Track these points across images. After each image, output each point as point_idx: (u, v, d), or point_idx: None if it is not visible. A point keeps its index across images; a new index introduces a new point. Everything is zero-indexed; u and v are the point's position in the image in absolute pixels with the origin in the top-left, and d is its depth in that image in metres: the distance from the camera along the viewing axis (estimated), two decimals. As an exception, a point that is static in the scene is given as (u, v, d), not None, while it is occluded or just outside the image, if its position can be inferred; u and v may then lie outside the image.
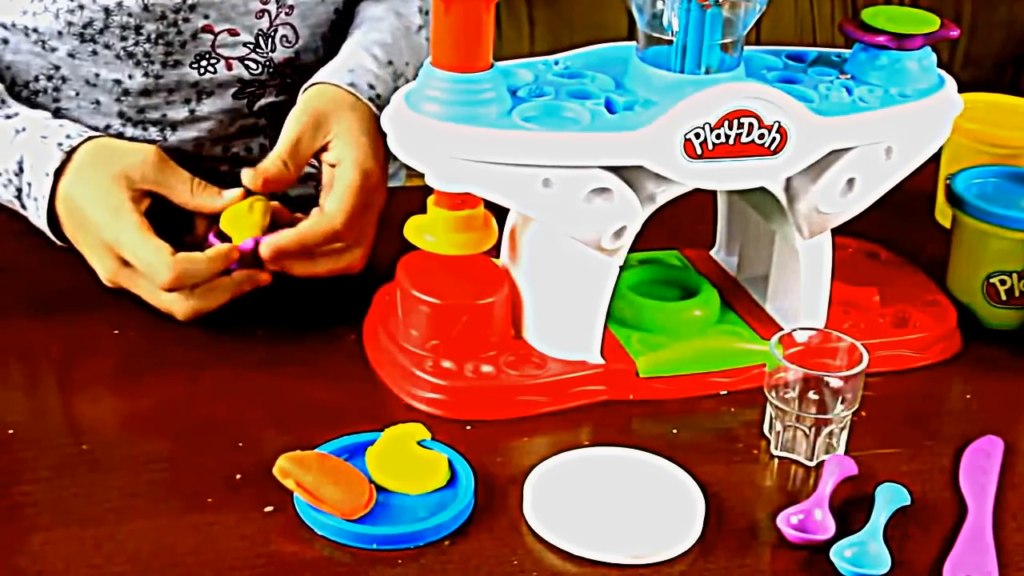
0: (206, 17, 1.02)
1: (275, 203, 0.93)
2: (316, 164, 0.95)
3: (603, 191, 0.80)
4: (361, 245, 0.91)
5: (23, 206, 0.93)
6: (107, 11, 0.99)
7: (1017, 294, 0.94)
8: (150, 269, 0.86)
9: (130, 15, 0.99)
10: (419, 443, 0.77)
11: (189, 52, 1.03)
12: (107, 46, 1.01)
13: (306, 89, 0.97)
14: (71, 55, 1.01)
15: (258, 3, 1.03)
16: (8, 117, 0.95)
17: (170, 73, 1.03)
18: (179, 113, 1.05)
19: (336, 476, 0.73)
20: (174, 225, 0.91)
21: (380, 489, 0.75)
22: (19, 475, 0.76)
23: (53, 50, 1.01)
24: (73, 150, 0.90)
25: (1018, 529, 0.76)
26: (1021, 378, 0.91)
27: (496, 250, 0.88)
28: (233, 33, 1.03)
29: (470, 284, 0.86)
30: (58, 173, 0.90)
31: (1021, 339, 0.94)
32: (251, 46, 1.05)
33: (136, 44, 1.01)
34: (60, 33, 1.00)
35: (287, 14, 1.05)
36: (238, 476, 0.76)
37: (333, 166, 0.92)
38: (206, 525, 0.72)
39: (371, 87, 0.97)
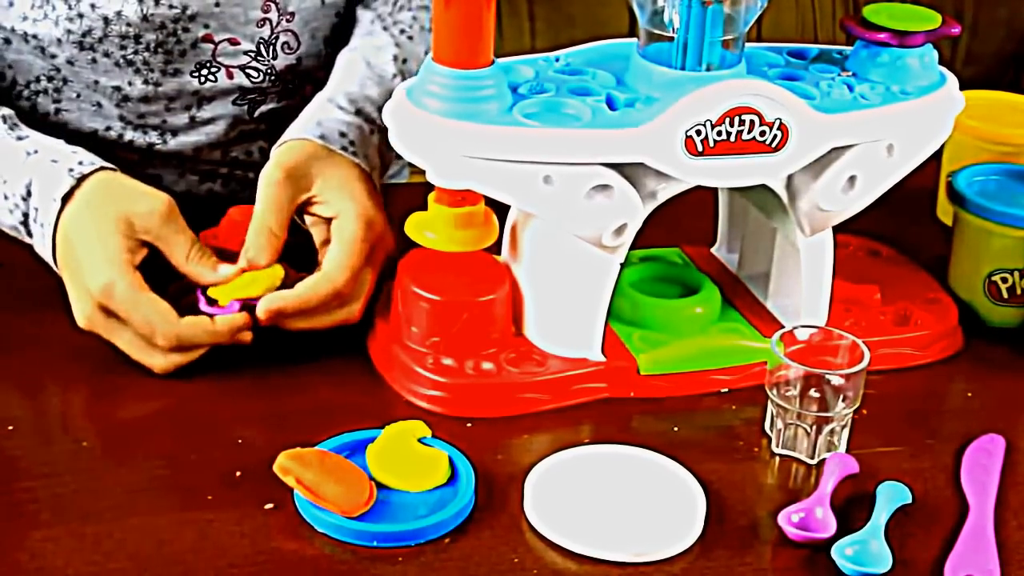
0: (206, 27, 1.01)
1: (280, 271, 0.88)
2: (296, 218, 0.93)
3: (604, 188, 0.80)
4: (359, 298, 0.87)
5: (29, 233, 0.91)
6: (106, 20, 0.99)
7: (1019, 292, 0.94)
8: (149, 327, 0.83)
9: (129, 24, 0.99)
10: (419, 440, 0.77)
11: (189, 61, 1.02)
12: (106, 54, 1.01)
13: (276, 147, 0.93)
14: (70, 62, 1.01)
15: (259, 12, 1.02)
16: (20, 139, 0.92)
17: (170, 81, 1.03)
18: (179, 119, 1.05)
19: (336, 473, 0.73)
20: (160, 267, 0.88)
21: (380, 486, 0.75)
22: (19, 472, 0.76)
23: (53, 56, 1.01)
24: (84, 178, 0.87)
25: (1019, 527, 0.76)
26: (1022, 376, 0.91)
27: (497, 247, 0.88)
28: (234, 42, 1.03)
29: (471, 281, 0.86)
30: (65, 199, 0.87)
31: (1022, 337, 0.94)
32: (252, 54, 1.05)
33: (135, 53, 1.01)
34: (59, 40, 1.00)
35: (288, 21, 1.05)
36: (238, 473, 0.76)
37: (329, 220, 0.89)
38: (206, 522, 0.72)
39: (342, 135, 0.93)
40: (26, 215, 0.90)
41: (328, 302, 0.86)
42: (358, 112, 0.96)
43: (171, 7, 0.99)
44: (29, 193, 0.89)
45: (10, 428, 0.79)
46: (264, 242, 0.87)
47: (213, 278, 0.86)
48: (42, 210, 0.88)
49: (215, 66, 1.04)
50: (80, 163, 0.89)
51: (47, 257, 0.89)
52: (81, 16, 0.99)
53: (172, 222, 0.87)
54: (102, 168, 0.89)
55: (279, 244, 0.88)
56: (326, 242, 0.89)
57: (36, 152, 0.91)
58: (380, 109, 0.92)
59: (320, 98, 0.99)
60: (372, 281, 0.89)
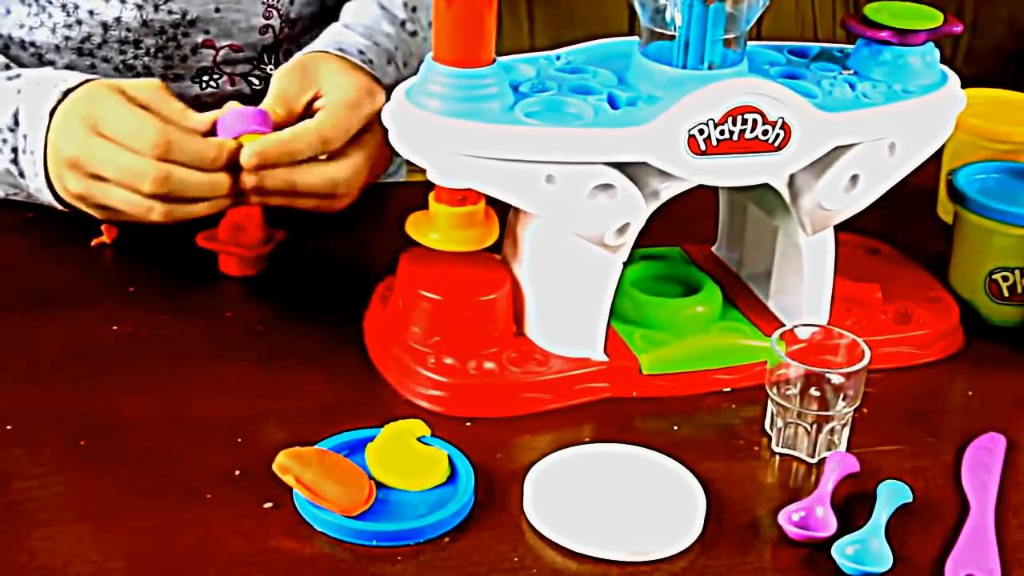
0: (206, 32, 1.01)
1: None
2: None
3: (607, 187, 0.79)
4: (347, 181, 0.86)
5: (20, 172, 0.89)
6: (105, 26, 0.99)
7: (1019, 290, 0.94)
8: (135, 134, 0.81)
9: (128, 30, 0.99)
10: (419, 439, 0.77)
11: (191, 67, 1.02)
12: (106, 60, 1.01)
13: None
14: (69, 67, 1.01)
15: (260, 19, 1.02)
16: (10, 79, 0.91)
17: (171, 87, 1.02)
18: None
19: (336, 472, 0.73)
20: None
21: (380, 485, 0.74)
22: (17, 471, 0.76)
23: (51, 63, 1.01)
24: (71, 90, 0.86)
25: (1020, 526, 0.76)
26: (1023, 375, 0.91)
27: (497, 246, 0.88)
28: (236, 49, 1.03)
29: (472, 280, 0.86)
30: (52, 113, 0.85)
31: (1023, 336, 0.94)
32: (255, 62, 1.04)
33: (135, 58, 1.01)
34: (57, 47, 1.00)
35: (290, 28, 1.04)
36: (237, 472, 0.76)
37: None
38: (205, 521, 0.72)
39: (361, 53, 0.94)
40: (15, 149, 0.88)
41: (314, 153, 0.84)
42: (375, 44, 0.96)
43: (171, 12, 0.99)
44: (16, 122, 0.88)
45: (8, 428, 0.79)
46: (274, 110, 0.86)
47: (209, 117, 0.85)
48: (31, 134, 0.87)
49: (217, 73, 1.04)
50: (66, 80, 0.87)
51: (41, 188, 0.88)
52: (80, 23, 0.99)
53: (164, 92, 0.86)
54: (88, 80, 0.87)
55: (281, 123, 0.87)
56: None
57: (24, 84, 0.89)
58: (396, 48, 0.92)
59: (335, 26, 0.98)
60: (362, 170, 0.87)
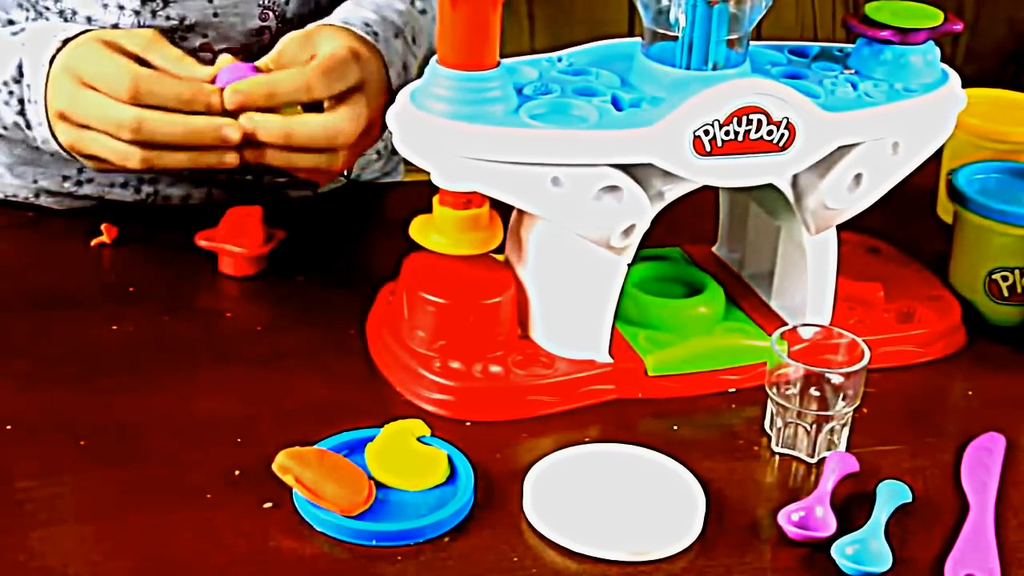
0: (204, 36, 1.01)
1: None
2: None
3: (613, 189, 0.79)
4: (344, 124, 0.86)
5: (27, 123, 0.91)
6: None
7: (1019, 290, 0.94)
8: (110, 80, 0.83)
9: None
10: (419, 439, 0.77)
11: None
12: None
13: None
14: None
15: (257, 20, 1.02)
16: (14, 33, 0.93)
17: None
18: None
19: (335, 472, 0.73)
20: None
21: (379, 485, 0.74)
22: (17, 471, 0.75)
23: (53, 36, 1.01)
24: (70, 39, 0.88)
25: (1020, 526, 0.76)
26: (1023, 375, 0.91)
27: (501, 249, 0.88)
28: (233, 51, 1.02)
29: (477, 284, 0.86)
30: (52, 61, 0.87)
31: (1023, 335, 0.94)
32: (252, 63, 1.05)
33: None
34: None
35: (287, 29, 1.04)
36: (237, 472, 0.76)
37: None
38: (205, 521, 0.72)
39: (367, 25, 0.95)
40: (22, 100, 0.90)
41: (298, 99, 0.84)
42: (384, 18, 0.97)
43: (168, 18, 0.99)
44: (21, 73, 0.89)
45: (8, 428, 0.79)
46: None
47: (205, 72, 0.86)
48: (34, 85, 0.88)
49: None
50: (66, 30, 0.89)
51: (47, 138, 0.89)
52: None
53: (159, 40, 0.88)
54: (91, 30, 0.89)
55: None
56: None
57: (27, 36, 0.91)
58: (405, 23, 0.95)
59: (347, 3, 0.99)
60: (357, 123, 0.87)
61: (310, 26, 0.94)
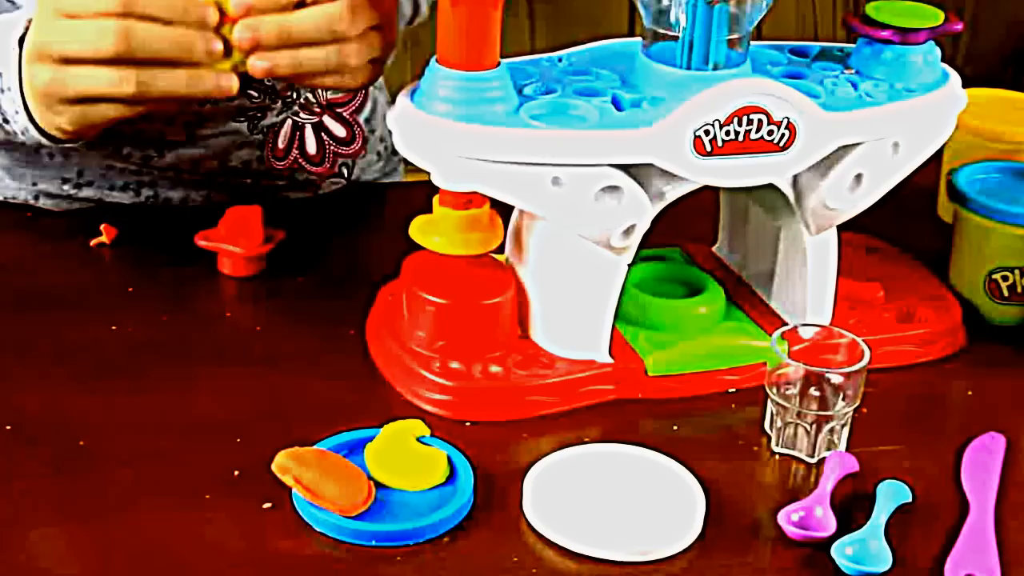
0: None
1: None
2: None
3: (613, 189, 0.79)
4: (344, 10, 0.80)
5: (4, 118, 0.86)
6: None
7: (1019, 290, 0.94)
8: (93, 1, 0.77)
9: None
10: (418, 439, 0.77)
11: None
12: None
13: None
14: None
15: None
16: None
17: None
18: (178, 135, 1.04)
19: (335, 472, 0.73)
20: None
21: (379, 486, 0.74)
22: (16, 471, 0.75)
23: (19, 18, 1.00)
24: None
25: (1020, 527, 0.76)
26: (1023, 375, 0.91)
27: (501, 249, 0.87)
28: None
29: (477, 284, 0.85)
30: (21, 41, 0.82)
31: (1023, 335, 0.94)
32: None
33: None
34: None
35: None
36: (236, 472, 0.76)
37: None
38: (204, 521, 0.72)
39: None
40: None
41: (321, 28, 0.79)
42: None
43: None
44: None
45: (7, 428, 0.79)
46: None
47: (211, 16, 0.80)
48: (5, 72, 0.84)
49: None
50: (31, 12, 0.83)
51: (27, 126, 0.85)
52: None
53: None
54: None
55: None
56: None
57: None
58: None
59: None
60: (366, 20, 0.82)
61: None
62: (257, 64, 0.81)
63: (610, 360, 0.85)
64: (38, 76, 0.82)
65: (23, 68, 0.84)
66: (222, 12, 0.80)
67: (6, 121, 0.88)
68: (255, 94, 1.06)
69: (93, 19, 0.79)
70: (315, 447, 0.75)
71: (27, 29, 0.84)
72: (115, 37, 0.78)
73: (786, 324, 0.87)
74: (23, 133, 0.88)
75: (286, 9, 0.80)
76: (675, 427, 0.83)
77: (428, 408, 0.82)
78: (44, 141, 0.88)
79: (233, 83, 0.81)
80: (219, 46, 0.80)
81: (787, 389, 0.80)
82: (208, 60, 0.80)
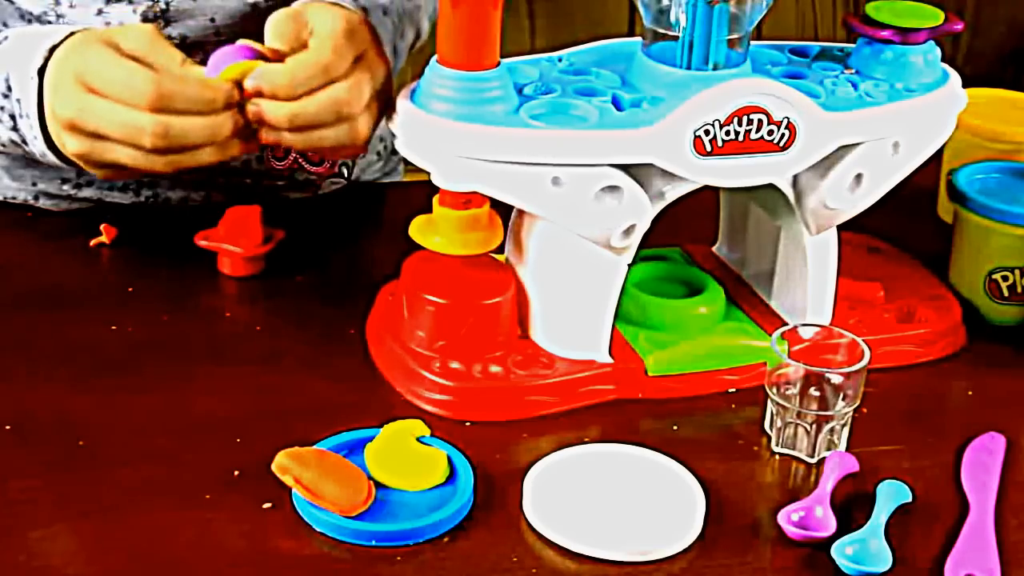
0: (205, 55, 1.01)
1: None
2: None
3: (613, 189, 0.79)
4: (348, 93, 0.82)
5: (23, 139, 0.87)
6: None
7: (1019, 290, 0.94)
8: (127, 87, 0.78)
9: None
10: (418, 439, 0.77)
11: None
12: None
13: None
14: None
15: (256, 36, 1.02)
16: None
17: None
18: None
19: (335, 472, 0.73)
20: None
21: (379, 486, 0.74)
22: (16, 471, 0.75)
23: (39, 45, 1.01)
24: (57, 46, 0.84)
25: (1020, 526, 0.76)
26: (1023, 375, 0.91)
27: (501, 249, 0.87)
28: None
29: (477, 284, 0.85)
30: (42, 73, 0.83)
31: (1023, 335, 0.94)
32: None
33: None
34: None
35: None
36: (236, 472, 0.76)
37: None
38: (204, 521, 0.72)
39: (355, 1, 0.93)
40: (13, 116, 0.87)
41: (319, 80, 0.82)
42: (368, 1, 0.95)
43: (170, 37, 0.99)
44: (9, 88, 0.86)
45: (7, 428, 0.79)
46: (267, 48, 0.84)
47: (208, 74, 0.82)
48: (23, 99, 0.85)
49: None
50: (50, 36, 0.85)
51: (44, 151, 0.86)
52: None
53: (160, 39, 0.83)
54: (74, 33, 0.85)
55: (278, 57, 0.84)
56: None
57: (11, 45, 0.86)
58: (391, 1, 0.93)
59: None
60: (363, 89, 0.84)
61: (297, 4, 0.90)
62: (264, 135, 0.83)
63: (610, 360, 0.85)
64: (70, 145, 0.84)
65: (52, 101, 0.84)
66: (241, 87, 0.83)
67: (24, 142, 0.89)
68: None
69: (126, 106, 0.80)
70: (315, 447, 0.75)
71: (46, 60, 0.84)
72: (151, 136, 0.80)
73: (786, 324, 0.87)
74: (42, 156, 0.89)
75: (297, 88, 0.82)
76: (675, 427, 0.83)
77: (428, 408, 0.82)
78: (64, 166, 0.89)
79: (256, 145, 0.84)
80: (241, 120, 0.83)
81: (787, 389, 0.80)
82: (234, 135, 0.83)
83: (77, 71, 0.82)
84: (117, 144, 0.82)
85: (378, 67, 0.86)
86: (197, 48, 1.01)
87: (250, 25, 1.01)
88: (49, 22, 0.98)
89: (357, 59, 0.85)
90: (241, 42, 0.86)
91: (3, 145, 0.92)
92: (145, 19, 0.98)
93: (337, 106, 0.83)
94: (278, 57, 0.85)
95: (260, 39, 0.95)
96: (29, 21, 0.99)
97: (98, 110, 0.81)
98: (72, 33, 0.86)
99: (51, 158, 0.88)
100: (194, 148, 0.82)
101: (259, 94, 0.82)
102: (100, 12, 0.98)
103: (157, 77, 0.80)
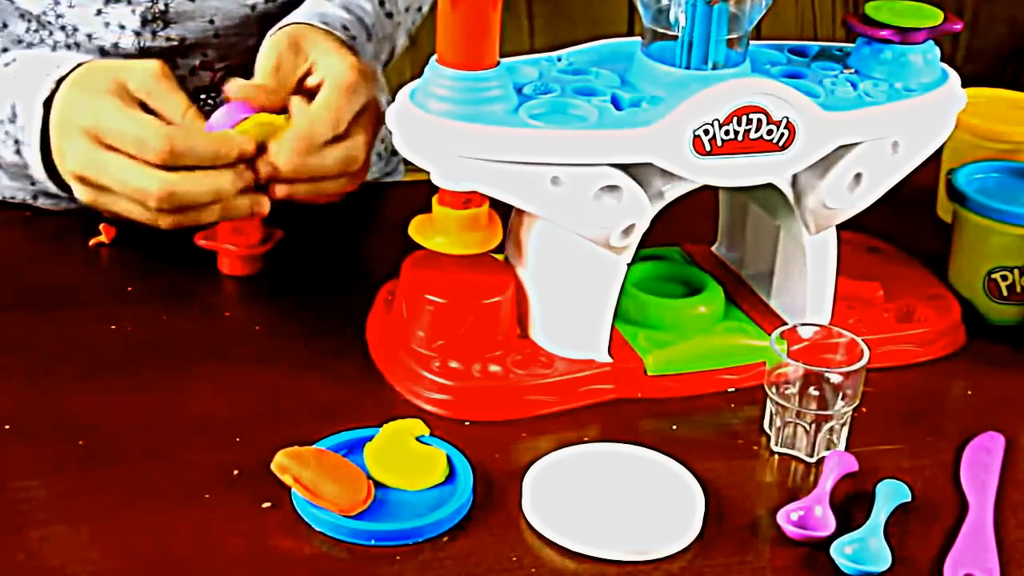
0: (204, 56, 1.01)
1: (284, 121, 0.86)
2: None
3: (612, 189, 0.79)
4: (359, 158, 0.85)
5: (26, 164, 0.88)
6: (103, 51, 0.99)
7: (1018, 290, 0.94)
8: (138, 143, 0.79)
9: (126, 56, 0.99)
10: (417, 439, 0.77)
11: (187, 88, 1.02)
12: None
13: (274, 31, 0.92)
14: None
15: (255, 38, 1.02)
16: (7, 64, 0.89)
17: None
18: None
19: (334, 472, 0.73)
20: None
21: (378, 485, 0.74)
22: (15, 471, 0.75)
23: (46, 75, 1.01)
24: (64, 78, 0.85)
25: (1019, 525, 0.76)
26: (1022, 374, 0.91)
27: (500, 249, 0.87)
28: (233, 70, 1.02)
29: (476, 284, 0.85)
30: (48, 104, 0.84)
31: (1022, 335, 0.94)
32: (249, 78, 1.04)
33: None
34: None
35: None
36: (235, 472, 0.76)
37: (318, 86, 0.87)
38: (203, 521, 0.72)
39: (345, 28, 0.94)
40: (18, 141, 0.87)
41: (332, 136, 0.84)
42: (357, 18, 0.96)
43: (168, 39, 0.99)
44: (15, 114, 0.87)
45: (6, 428, 0.79)
46: (257, 87, 0.85)
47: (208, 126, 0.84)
48: (28, 126, 0.85)
49: (215, 91, 1.04)
50: (58, 67, 0.86)
51: (45, 180, 0.87)
52: (78, 45, 0.98)
53: (167, 80, 0.84)
54: (82, 64, 0.86)
55: (277, 98, 0.86)
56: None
57: (19, 70, 0.87)
58: (373, 24, 0.94)
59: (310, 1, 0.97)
60: (367, 146, 0.87)
61: (291, 28, 0.91)
62: (277, 190, 0.85)
63: (609, 360, 0.85)
64: (77, 192, 0.85)
65: (53, 147, 0.85)
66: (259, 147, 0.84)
67: (27, 167, 0.89)
68: None
69: (136, 163, 0.81)
70: (315, 446, 0.75)
71: (52, 92, 0.85)
72: (157, 199, 0.81)
73: (785, 324, 0.87)
74: (43, 184, 0.90)
75: (314, 149, 0.85)
76: (674, 427, 0.83)
77: (427, 407, 0.82)
78: (64, 194, 0.89)
79: (264, 206, 0.85)
80: (251, 175, 0.84)
81: (786, 389, 0.80)
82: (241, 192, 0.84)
83: (87, 124, 0.82)
84: (123, 199, 0.83)
85: (378, 115, 0.88)
86: (196, 49, 1.01)
87: (249, 27, 1.02)
88: (49, 22, 0.98)
89: (363, 109, 0.87)
90: (235, 98, 0.86)
91: (8, 167, 0.92)
92: (144, 20, 0.98)
93: (347, 162, 0.86)
94: (277, 102, 0.86)
95: (259, 38, 0.96)
96: (29, 21, 0.99)
97: (108, 166, 0.82)
98: (79, 64, 0.86)
99: (52, 188, 0.89)
100: (200, 207, 0.83)
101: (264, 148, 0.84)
102: (99, 12, 0.98)
103: (169, 133, 0.80)
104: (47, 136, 0.86)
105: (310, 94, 0.88)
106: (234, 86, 0.86)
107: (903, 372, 0.90)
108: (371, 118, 0.88)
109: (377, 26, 1.01)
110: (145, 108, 0.84)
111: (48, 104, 0.85)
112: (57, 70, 0.86)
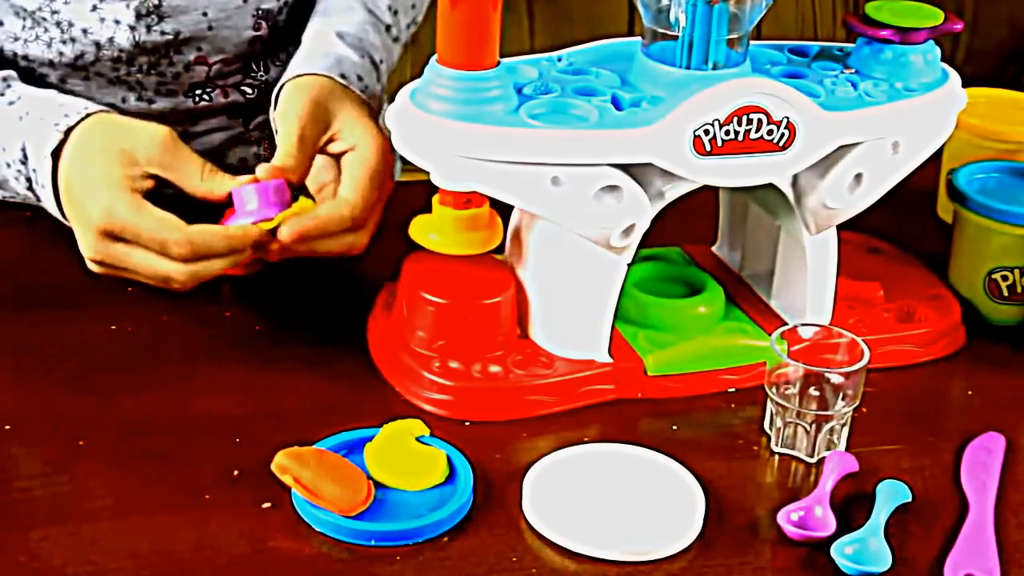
0: (199, 50, 1.01)
1: (310, 204, 0.88)
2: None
3: (612, 189, 0.79)
4: (368, 227, 0.87)
5: (37, 198, 0.89)
6: (98, 46, 0.99)
7: (1019, 290, 0.94)
8: (160, 239, 0.80)
9: (121, 50, 0.99)
10: (418, 439, 0.77)
11: (183, 83, 1.02)
12: (99, 74, 1.01)
13: (289, 80, 0.92)
14: (63, 80, 1.01)
15: (251, 31, 1.02)
16: (11, 103, 0.90)
17: (164, 100, 1.02)
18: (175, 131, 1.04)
19: (334, 472, 0.73)
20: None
21: (378, 485, 0.74)
22: (15, 471, 0.75)
23: (43, 76, 1.01)
24: (71, 129, 0.85)
25: (1019, 526, 0.76)
26: (1022, 374, 0.91)
27: (501, 249, 0.87)
28: (228, 63, 1.02)
29: (476, 283, 0.85)
30: (56, 155, 0.85)
31: (1022, 335, 0.94)
32: (245, 71, 1.04)
33: (128, 74, 1.01)
34: (51, 62, 1.00)
35: (278, 34, 1.04)
36: (235, 472, 0.76)
37: (343, 153, 0.88)
38: (203, 521, 0.72)
39: (360, 79, 0.94)
40: (29, 179, 0.88)
41: (346, 228, 0.85)
42: (371, 60, 0.96)
43: (163, 33, 0.99)
44: (26, 156, 0.87)
45: (7, 428, 0.79)
46: (287, 162, 0.85)
47: (232, 186, 0.84)
48: (39, 170, 0.86)
49: (210, 86, 1.04)
50: (66, 116, 0.86)
51: (58, 215, 0.87)
52: (73, 40, 0.99)
53: (177, 148, 0.84)
54: (89, 115, 0.86)
55: (303, 169, 0.86)
56: (336, 179, 0.88)
57: (27, 113, 0.88)
58: (382, 60, 0.95)
59: (322, 30, 0.97)
60: (380, 212, 0.88)
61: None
62: (276, 255, 0.85)
63: (610, 360, 0.85)
64: (92, 268, 0.85)
65: (67, 216, 0.86)
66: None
67: (39, 200, 0.89)
68: (248, 90, 1.06)
69: (158, 256, 0.81)
70: (315, 447, 0.75)
71: (60, 143, 0.85)
72: (181, 284, 0.82)
73: (786, 324, 0.87)
74: (51, 209, 0.89)
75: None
76: (674, 427, 0.83)
77: (428, 408, 0.82)
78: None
79: (272, 260, 0.86)
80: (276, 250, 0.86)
81: (787, 389, 0.80)
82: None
83: (102, 224, 0.81)
84: (143, 278, 0.83)
85: (389, 191, 0.89)
86: (190, 43, 1.01)
87: (243, 19, 1.02)
88: (44, 18, 0.98)
89: (383, 188, 0.88)
90: (264, 179, 0.85)
91: (21, 197, 0.92)
92: (138, 14, 0.98)
93: (352, 247, 0.86)
94: (303, 175, 0.87)
95: (253, 31, 0.97)
96: (24, 18, 0.99)
97: (129, 257, 0.82)
98: (86, 115, 0.86)
99: (60, 218, 0.89)
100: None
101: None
102: (94, 8, 0.98)
103: (189, 236, 0.81)
104: (56, 185, 0.86)
105: (334, 157, 0.89)
106: (263, 171, 0.86)
107: (903, 372, 0.90)
108: (384, 199, 0.88)
109: (386, 61, 1.01)
110: (158, 179, 0.84)
111: (56, 155, 0.85)
112: (65, 119, 0.86)
